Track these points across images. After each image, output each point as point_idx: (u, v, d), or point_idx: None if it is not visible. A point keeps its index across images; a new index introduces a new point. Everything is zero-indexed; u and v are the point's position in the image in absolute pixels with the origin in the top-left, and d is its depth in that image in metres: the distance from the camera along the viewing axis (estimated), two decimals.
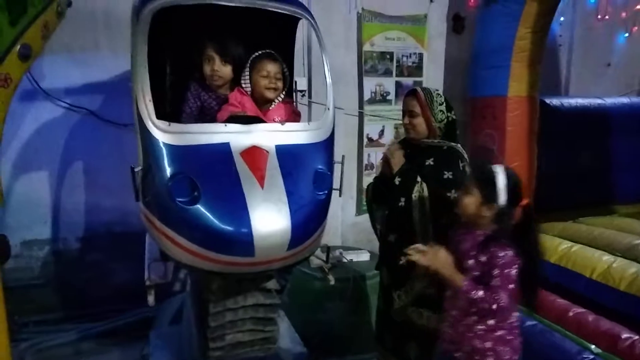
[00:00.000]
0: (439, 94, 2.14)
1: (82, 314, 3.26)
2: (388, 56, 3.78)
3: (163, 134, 1.66)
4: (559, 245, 3.05)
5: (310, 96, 3.59)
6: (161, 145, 1.65)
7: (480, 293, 1.60)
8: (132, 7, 1.94)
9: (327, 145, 1.95)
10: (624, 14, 4.65)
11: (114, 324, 3.21)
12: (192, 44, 2.15)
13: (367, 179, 3.82)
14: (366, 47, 3.68)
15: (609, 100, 4.14)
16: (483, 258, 1.67)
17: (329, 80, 2.11)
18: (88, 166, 3.35)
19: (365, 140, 3.82)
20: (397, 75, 3.84)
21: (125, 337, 3.12)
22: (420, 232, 2.07)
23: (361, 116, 3.78)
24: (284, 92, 2.13)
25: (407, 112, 2.16)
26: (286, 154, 1.75)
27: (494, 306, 1.59)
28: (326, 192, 1.79)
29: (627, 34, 4.71)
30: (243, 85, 2.08)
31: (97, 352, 3.07)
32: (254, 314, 1.89)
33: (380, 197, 2.29)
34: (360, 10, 3.64)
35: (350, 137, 3.82)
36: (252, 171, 1.63)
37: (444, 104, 2.13)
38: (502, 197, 1.67)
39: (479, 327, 1.72)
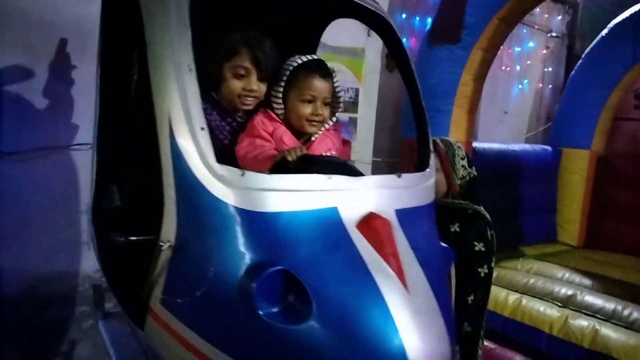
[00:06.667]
0: (459, 146, 1.89)
1: None
2: None
3: (231, 191, 1.01)
4: (507, 297, 3.02)
5: None
6: (227, 210, 1.00)
7: None
8: None
9: (435, 205, 1.40)
10: (518, 67, 5.05)
11: None
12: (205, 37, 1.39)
13: None
14: None
15: (515, 147, 4.40)
16: None
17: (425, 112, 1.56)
18: None
19: None
20: None
21: None
22: None
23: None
24: (333, 119, 1.51)
25: None
26: (409, 223, 1.15)
27: None
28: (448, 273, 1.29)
29: (520, 86, 5.13)
30: (274, 106, 1.44)
31: None
32: None
33: None
34: None
35: None
36: (384, 259, 1.01)
37: (465, 159, 1.87)
38: None
39: None
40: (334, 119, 1.51)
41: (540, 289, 3.07)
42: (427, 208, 1.31)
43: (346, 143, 1.60)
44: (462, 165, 1.85)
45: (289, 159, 1.18)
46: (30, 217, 2.47)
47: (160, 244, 1.07)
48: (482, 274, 1.77)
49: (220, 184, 1.02)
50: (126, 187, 1.57)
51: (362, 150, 3.83)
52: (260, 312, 0.94)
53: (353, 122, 3.69)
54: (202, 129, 1.05)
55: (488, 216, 1.89)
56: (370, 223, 1.07)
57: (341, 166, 1.20)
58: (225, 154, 1.33)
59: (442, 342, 1.00)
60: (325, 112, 1.45)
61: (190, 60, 1.07)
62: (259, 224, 1.02)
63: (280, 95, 1.42)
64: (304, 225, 1.03)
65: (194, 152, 1.03)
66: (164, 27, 1.09)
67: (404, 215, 1.16)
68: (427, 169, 1.39)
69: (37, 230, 2.47)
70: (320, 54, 1.67)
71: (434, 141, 1.86)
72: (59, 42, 2.47)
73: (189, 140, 1.04)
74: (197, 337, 1.04)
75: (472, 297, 1.76)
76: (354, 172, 1.20)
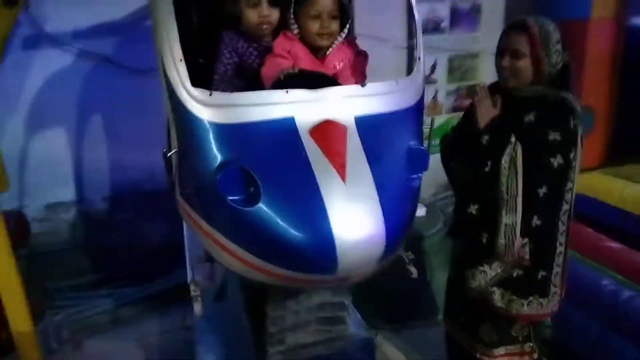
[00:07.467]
0: (555, 28, 1.66)
1: (114, 277, 3.06)
2: None
3: (203, 108, 1.26)
4: None
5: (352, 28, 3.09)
6: (202, 123, 1.26)
7: None
8: None
9: (419, 110, 1.50)
10: None
11: (150, 289, 3.01)
12: None
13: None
14: None
15: None
16: None
17: (417, 17, 1.63)
18: (108, 119, 3.01)
19: None
20: None
21: (163, 303, 2.92)
22: (510, 205, 1.69)
23: (411, 50, 3.27)
24: (344, 32, 1.60)
25: (510, 52, 1.68)
26: (370, 128, 1.30)
27: None
28: (421, 174, 1.39)
29: None
30: (291, 27, 1.57)
31: (135, 319, 2.89)
32: (320, 314, 1.57)
33: (458, 154, 1.89)
34: None
35: (397, 75, 3.34)
36: (328, 158, 1.20)
37: (561, 42, 1.65)
38: None
39: None
40: (345, 30, 1.60)
41: None
42: (400, 114, 1.43)
43: (361, 54, 1.67)
44: (557, 50, 1.65)
45: (281, 77, 1.37)
46: None
47: (169, 152, 1.39)
48: (555, 165, 1.62)
49: (195, 102, 1.27)
50: None
51: None
52: (228, 198, 1.19)
53: (475, 9, 3.36)
54: (181, 60, 1.29)
55: (576, 105, 1.68)
56: (322, 129, 1.26)
57: (320, 79, 1.38)
58: (255, 75, 1.55)
59: (375, 227, 1.15)
60: (334, 25, 1.54)
61: (171, 7, 1.33)
62: (224, 133, 1.27)
63: (293, 16, 1.56)
64: (260, 132, 1.26)
65: (177, 78, 1.29)
66: None
67: (364, 121, 1.31)
68: (402, 78, 1.50)
69: None
70: None
71: (526, 22, 1.67)
72: None
73: (173, 69, 1.30)
74: (199, 217, 1.36)
75: (542, 190, 1.64)
76: (332, 83, 1.37)
